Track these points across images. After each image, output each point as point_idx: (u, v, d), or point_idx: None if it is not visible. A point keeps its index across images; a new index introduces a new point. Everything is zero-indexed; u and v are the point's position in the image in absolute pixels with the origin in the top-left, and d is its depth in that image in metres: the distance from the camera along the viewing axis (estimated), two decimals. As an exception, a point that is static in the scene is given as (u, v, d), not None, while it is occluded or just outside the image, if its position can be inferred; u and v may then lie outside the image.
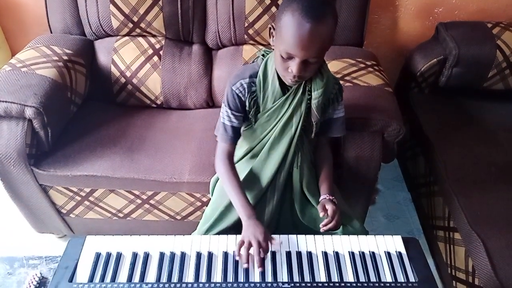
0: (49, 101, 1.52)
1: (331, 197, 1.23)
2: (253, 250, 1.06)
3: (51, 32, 1.89)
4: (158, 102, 1.88)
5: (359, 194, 1.56)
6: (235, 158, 1.36)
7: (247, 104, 1.21)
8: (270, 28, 1.11)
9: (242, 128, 1.31)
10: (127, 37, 1.85)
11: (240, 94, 1.20)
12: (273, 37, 1.10)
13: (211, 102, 1.89)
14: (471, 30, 1.87)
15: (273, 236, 1.12)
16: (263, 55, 1.22)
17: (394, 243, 1.16)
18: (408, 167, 2.06)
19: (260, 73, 1.18)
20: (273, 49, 1.11)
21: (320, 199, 1.25)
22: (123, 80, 1.83)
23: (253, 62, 1.26)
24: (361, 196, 1.57)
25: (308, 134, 1.26)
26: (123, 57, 1.82)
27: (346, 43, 1.84)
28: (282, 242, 1.13)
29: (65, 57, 1.71)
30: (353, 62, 1.69)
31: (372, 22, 2.00)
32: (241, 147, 1.37)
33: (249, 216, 1.15)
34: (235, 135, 1.26)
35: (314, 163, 1.34)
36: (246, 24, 1.77)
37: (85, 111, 1.81)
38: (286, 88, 1.18)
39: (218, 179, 1.38)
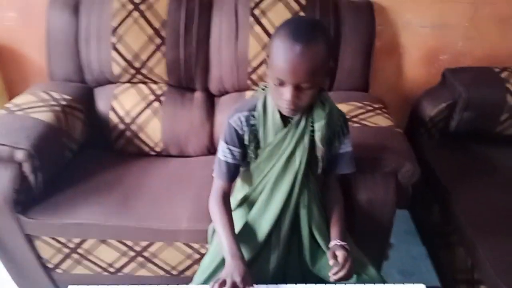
0: (42, 144, 1.46)
1: (342, 243, 1.12)
2: None
3: (51, 80, 1.86)
4: (157, 149, 1.80)
5: (373, 241, 1.42)
6: (235, 202, 1.26)
7: (245, 138, 1.14)
8: (265, 59, 1.06)
9: (242, 170, 1.23)
10: (128, 84, 1.81)
11: (237, 128, 1.14)
12: (267, 66, 1.05)
13: (212, 149, 1.81)
14: (479, 74, 1.84)
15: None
16: (263, 89, 1.17)
17: (418, 294, 1.02)
18: (422, 217, 1.94)
19: (260, 106, 1.12)
20: None
21: (330, 245, 1.13)
22: (121, 126, 1.77)
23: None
24: (376, 243, 1.44)
25: (314, 170, 1.16)
26: (122, 103, 1.77)
27: (352, 88, 1.79)
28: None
29: (63, 102, 1.66)
30: (360, 105, 1.63)
31: (377, 69, 1.97)
32: (242, 190, 1.28)
33: (233, 255, 1.06)
34: (229, 172, 1.18)
35: (323, 204, 1.23)
36: (249, 70, 1.74)
37: (80, 158, 1.73)
38: (287, 120, 1.12)
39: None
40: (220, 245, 1.12)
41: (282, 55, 0.95)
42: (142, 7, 1.70)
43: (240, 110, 1.15)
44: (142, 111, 1.76)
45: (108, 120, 1.78)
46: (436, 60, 2.00)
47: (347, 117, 1.50)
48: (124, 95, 1.78)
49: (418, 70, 2.03)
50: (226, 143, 1.17)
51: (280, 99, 1.02)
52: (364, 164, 1.31)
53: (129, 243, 1.48)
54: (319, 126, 1.09)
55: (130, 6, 1.70)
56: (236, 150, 1.16)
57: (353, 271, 1.09)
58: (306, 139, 1.11)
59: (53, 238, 1.48)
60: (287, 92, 0.99)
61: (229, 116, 1.16)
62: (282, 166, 1.14)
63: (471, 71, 1.87)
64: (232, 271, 1.01)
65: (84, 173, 1.63)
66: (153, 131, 1.77)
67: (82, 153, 1.76)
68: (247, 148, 1.16)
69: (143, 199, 1.51)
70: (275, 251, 1.18)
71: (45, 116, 1.55)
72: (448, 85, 1.86)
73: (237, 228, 1.19)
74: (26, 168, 1.41)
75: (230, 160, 1.17)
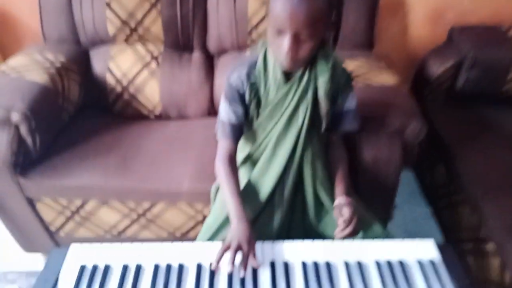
0: (38, 106, 1.42)
1: (347, 200, 1.10)
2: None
3: (45, 41, 1.79)
4: (156, 112, 1.76)
5: (378, 201, 1.41)
6: (238, 161, 1.24)
7: (246, 96, 1.11)
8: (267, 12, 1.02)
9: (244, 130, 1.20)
10: (124, 44, 1.75)
11: (238, 86, 1.10)
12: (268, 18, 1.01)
13: (212, 111, 1.77)
14: (486, 33, 1.79)
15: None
16: (263, 44, 1.12)
17: (426, 249, 1.01)
18: (426, 178, 1.92)
19: (260, 61, 1.08)
20: None
21: (334, 204, 1.12)
22: (119, 88, 1.73)
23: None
24: (381, 203, 1.43)
25: (318, 127, 1.13)
26: (119, 64, 1.72)
27: (356, 46, 1.74)
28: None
29: (58, 64, 1.61)
30: (364, 62, 1.58)
31: (382, 28, 1.91)
32: (245, 149, 1.25)
33: (239, 219, 1.03)
34: (233, 132, 1.16)
35: (327, 163, 1.21)
36: (249, 27, 1.68)
37: (78, 121, 1.69)
38: (289, 76, 1.08)
39: (221, 185, 1.25)
40: (226, 206, 1.10)
41: (281, 2, 0.91)
42: (137, -38, 1.62)
43: (240, 67, 1.11)
44: (139, 72, 1.71)
45: (105, 82, 1.73)
46: (442, 18, 1.93)
47: (352, 75, 1.47)
48: (120, 56, 1.73)
49: (423, 29, 1.96)
50: (228, 102, 1.13)
51: (278, 51, 0.98)
52: (369, 122, 1.28)
53: (131, 204, 1.46)
54: (322, 81, 1.05)
55: (124, -39, 1.62)
56: (239, 109, 1.13)
57: (359, 228, 1.08)
58: (309, 95, 1.08)
59: (54, 200, 1.47)
60: (285, 42, 0.94)
61: (228, 75, 1.12)
62: (285, 123, 1.11)
63: (477, 29, 1.82)
64: (238, 235, 0.98)
65: (82, 136, 1.59)
66: (151, 93, 1.72)
67: (80, 116, 1.72)
68: (248, 107, 1.13)
69: (143, 160, 1.48)
70: (279, 210, 1.16)
71: (40, 78, 1.50)
72: (455, 44, 1.81)
73: (240, 187, 1.17)
74: (23, 130, 1.38)
75: (233, 120, 1.14)
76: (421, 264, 0.97)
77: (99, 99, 1.76)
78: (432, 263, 0.97)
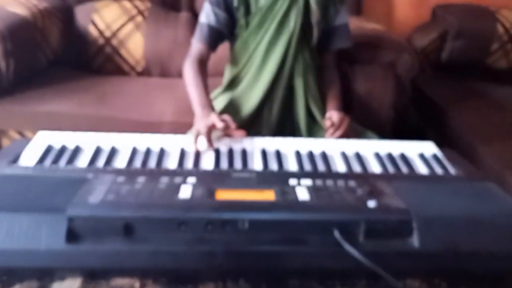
0: (16, 31, 1.37)
1: (338, 112, 1.04)
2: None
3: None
4: (139, 69, 1.69)
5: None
6: (221, 89, 1.18)
7: (234, 1, 1.06)
8: None
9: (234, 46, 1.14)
10: (109, 0, 1.72)
11: None
12: None
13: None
14: (469, 7, 1.85)
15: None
16: None
17: (428, 148, 0.94)
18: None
19: None
20: None
21: (326, 116, 1.05)
22: (101, 40, 1.66)
23: None
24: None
25: (309, 38, 1.09)
26: (104, 15, 1.67)
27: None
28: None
29: (41, 6, 1.55)
30: (353, 18, 1.57)
31: (366, 12, 1.93)
32: (232, 71, 1.18)
33: (204, 105, 0.96)
34: (211, 36, 1.09)
35: (320, 84, 1.15)
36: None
37: (55, 70, 1.61)
38: None
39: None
40: (190, 103, 1.01)
41: None
42: None
43: None
44: (124, 24, 1.66)
45: (87, 34, 1.66)
46: (426, 2, 1.98)
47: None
48: (105, 9, 1.68)
49: (408, 11, 2.01)
50: (211, 5, 1.08)
51: None
52: (362, 53, 1.26)
53: (106, 142, 1.35)
54: None
55: None
56: (221, 14, 1.08)
57: (352, 135, 1.01)
58: (300, 2, 1.05)
59: (21, 134, 1.34)
60: None
61: None
62: (275, 29, 1.06)
63: (461, 6, 1.87)
64: (205, 118, 0.89)
65: (59, 79, 1.52)
66: (134, 46, 1.66)
67: (58, 69, 1.64)
68: (235, 13, 1.08)
69: (124, 96, 1.41)
70: (267, 126, 1.10)
71: (21, 11, 1.45)
72: (439, 18, 1.85)
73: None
74: (-2, 49, 1.29)
75: (213, 23, 1.08)
76: (423, 157, 0.90)
77: (79, 52, 1.69)
78: (436, 157, 0.90)
